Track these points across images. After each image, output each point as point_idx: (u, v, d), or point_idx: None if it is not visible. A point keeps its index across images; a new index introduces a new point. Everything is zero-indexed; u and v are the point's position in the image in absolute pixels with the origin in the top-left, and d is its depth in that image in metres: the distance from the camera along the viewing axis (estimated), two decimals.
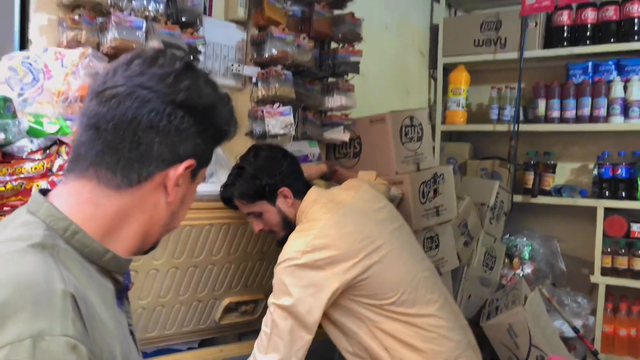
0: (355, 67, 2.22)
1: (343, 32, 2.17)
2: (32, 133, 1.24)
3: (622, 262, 2.68)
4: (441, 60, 3.22)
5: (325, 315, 1.51)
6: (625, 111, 2.74)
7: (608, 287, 2.72)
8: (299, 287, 1.44)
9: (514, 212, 2.94)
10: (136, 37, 1.53)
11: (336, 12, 2.20)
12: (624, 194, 2.68)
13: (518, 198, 2.93)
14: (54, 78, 1.37)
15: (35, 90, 1.33)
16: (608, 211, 2.71)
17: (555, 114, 2.88)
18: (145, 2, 1.58)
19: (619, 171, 2.68)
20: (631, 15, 2.71)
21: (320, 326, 1.50)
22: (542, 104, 2.93)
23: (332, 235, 1.50)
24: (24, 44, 1.48)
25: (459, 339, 1.57)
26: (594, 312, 2.73)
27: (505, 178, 2.98)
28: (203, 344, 1.90)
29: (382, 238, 1.56)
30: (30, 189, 1.21)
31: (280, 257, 1.49)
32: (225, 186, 1.62)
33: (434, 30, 3.29)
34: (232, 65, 1.94)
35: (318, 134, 2.17)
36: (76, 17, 1.49)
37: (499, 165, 3.03)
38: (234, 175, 1.62)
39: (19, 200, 1.21)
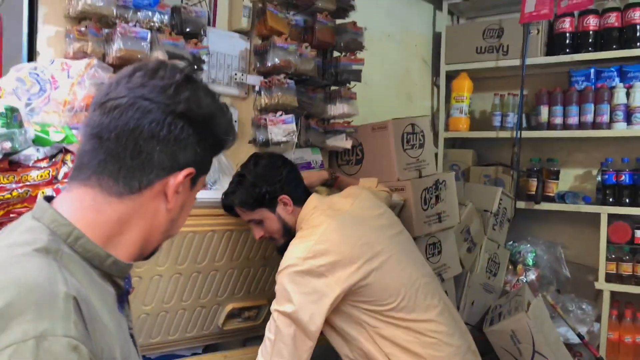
0: (357, 75, 2.24)
1: (345, 41, 2.19)
2: (38, 142, 1.26)
3: (626, 269, 2.68)
4: (444, 68, 3.24)
5: (326, 321, 1.51)
6: (628, 117, 2.74)
7: (613, 293, 2.71)
8: (301, 294, 1.45)
9: (518, 218, 2.95)
10: (141, 47, 1.56)
11: (338, 21, 2.22)
12: (627, 200, 2.68)
13: (521, 204, 2.93)
14: (60, 88, 1.39)
15: (42, 100, 1.36)
16: (612, 217, 2.71)
17: (558, 120, 2.89)
18: (150, 14, 1.62)
19: (623, 177, 2.68)
20: (633, 21, 2.72)
21: (322, 332, 1.51)
22: (544, 111, 2.94)
23: (333, 240, 1.50)
24: (32, 55, 1.50)
25: (458, 344, 1.57)
26: (598, 319, 2.72)
27: (508, 184, 2.98)
28: (207, 349, 1.92)
29: (381, 244, 1.56)
30: (36, 196, 1.22)
31: (282, 264, 1.50)
32: (226, 194, 1.64)
33: (436, 38, 3.31)
34: (236, 74, 1.97)
35: (320, 142, 2.19)
36: (83, 29, 1.52)
37: (502, 171, 3.04)
38: (234, 183, 1.63)
39: (24, 207, 1.22)
